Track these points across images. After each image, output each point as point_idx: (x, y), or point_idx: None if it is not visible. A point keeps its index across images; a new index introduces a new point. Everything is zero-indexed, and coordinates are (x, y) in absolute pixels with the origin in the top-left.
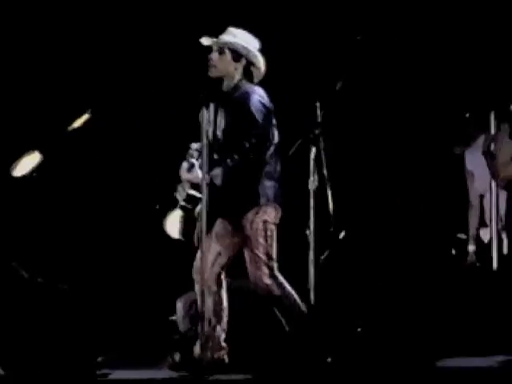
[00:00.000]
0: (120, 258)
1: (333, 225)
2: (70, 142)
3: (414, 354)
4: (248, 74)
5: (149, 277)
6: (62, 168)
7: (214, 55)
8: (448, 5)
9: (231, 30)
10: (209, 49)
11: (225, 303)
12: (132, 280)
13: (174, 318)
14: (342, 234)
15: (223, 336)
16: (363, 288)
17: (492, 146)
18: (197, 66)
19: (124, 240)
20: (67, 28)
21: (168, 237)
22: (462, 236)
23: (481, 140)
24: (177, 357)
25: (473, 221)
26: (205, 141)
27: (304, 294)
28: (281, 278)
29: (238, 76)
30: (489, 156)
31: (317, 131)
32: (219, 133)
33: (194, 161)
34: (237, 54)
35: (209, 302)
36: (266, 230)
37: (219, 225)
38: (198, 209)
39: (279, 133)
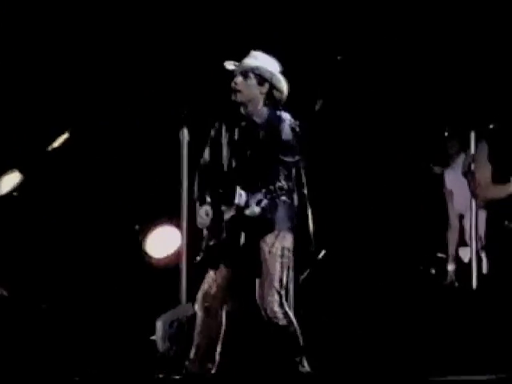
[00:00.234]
0: (101, 277)
1: (313, 244)
2: (50, 161)
3: (393, 372)
4: (271, 98)
5: (128, 296)
6: (42, 187)
7: (239, 80)
8: (426, 26)
9: (254, 53)
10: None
11: (224, 321)
12: (112, 300)
13: (153, 337)
14: (322, 254)
15: (219, 350)
16: (343, 307)
17: (472, 166)
18: (178, 86)
19: (104, 260)
20: (43, 55)
21: (148, 256)
22: (442, 255)
23: (460, 159)
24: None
25: (452, 240)
26: (185, 161)
27: None
28: (287, 307)
29: (261, 100)
30: (469, 175)
31: None
32: (241, 158)
33: (242, 192)
34: (261, 78)
35: (212, 324)
36: (283, 257)
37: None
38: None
39: None
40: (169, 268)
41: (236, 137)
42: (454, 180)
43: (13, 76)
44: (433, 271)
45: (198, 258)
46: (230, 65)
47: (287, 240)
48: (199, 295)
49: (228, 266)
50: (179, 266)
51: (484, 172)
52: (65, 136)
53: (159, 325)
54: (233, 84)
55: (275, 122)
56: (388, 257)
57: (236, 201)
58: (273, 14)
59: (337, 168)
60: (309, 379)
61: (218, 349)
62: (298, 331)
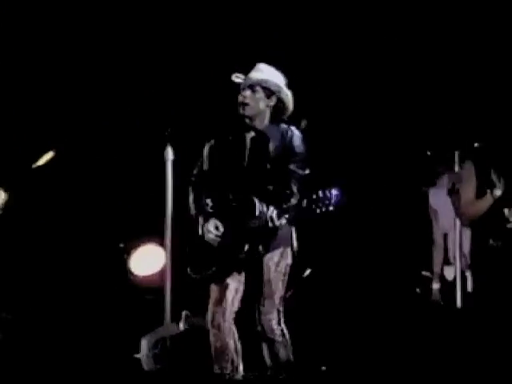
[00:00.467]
0: (85, 295)
1: (297, 263)
2: (35, 179)
3: None
4: (277, 111)
5: (112, 315)
6: (27, 205)
7: (247, 93)
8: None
9: (260, 66)
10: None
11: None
12: (96, 318)
13: (138, 356)
14: (307, 272)
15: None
16: (327, 325)
17: (457, 185)
18: (162, 104)
19: (88, 277)
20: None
21: (132, 274)
22: (427, 274)
23: (445, 178)
24: None
25: (437, 259)
26: (170, 180)
27: None
28: (283, 324)
29: (269, 114)
30: (453, 194)
31: None
32: (254, 171)
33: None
34: (269, 92)
35: (231, 343)
36: (285, 275)
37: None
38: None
39: None
40: (153, 286)
41: (246, 150)
42: (438, 199)
43: None
44: (418, 290)
45: (211, 271)
46: (237, 78)
47: (289, 257)
48: (209, 315)
49: (245, 277)
50: (164, 285)
51: (468, 191)
52: (50, 154)
53: (144, 344)
54: (241, 98)
55: (286, 135)
56: (373, 275)
57: (257, 213)
58: (266, 24)
59: (319, 185)
60: None
61: (239, 359)
62: (290, 347)
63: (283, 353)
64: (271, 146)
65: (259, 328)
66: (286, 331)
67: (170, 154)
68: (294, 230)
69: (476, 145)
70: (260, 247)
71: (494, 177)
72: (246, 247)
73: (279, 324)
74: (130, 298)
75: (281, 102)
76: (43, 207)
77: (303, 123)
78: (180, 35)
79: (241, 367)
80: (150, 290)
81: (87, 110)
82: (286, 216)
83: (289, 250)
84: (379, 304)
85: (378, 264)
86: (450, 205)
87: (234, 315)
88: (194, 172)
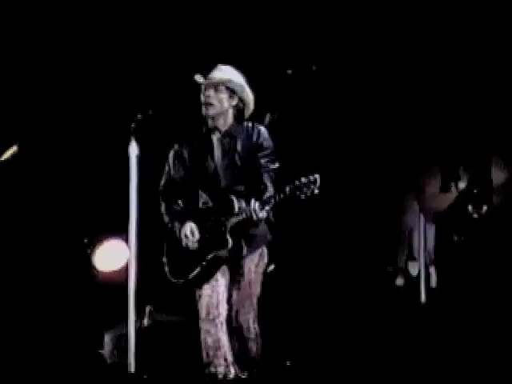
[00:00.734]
0: (48, 291)
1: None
2: None
3: None
4: (239, 110)
5: (76, 310)
6: None
7: (210, 93)
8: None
9: (221, 66)
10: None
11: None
12: (59, 313)
13: (101, 351)
14: (271, 268)
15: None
16: (293, 321)
17: (420, 180)
18: (127, 98)
19: (52, 273)
20: None
21: (96, 270)
22: (390, 269)
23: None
24: None
25: (401, 254)
26: (134, 175)
27: None
28: (257, 322)
29: (232, 113)
30: (417, 190)
31: None
32: (227, 171)
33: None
34: (232, 92)
35: (224, 338)
36: (263, 275)
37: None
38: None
39: None
40: (117, 282)
41: (214, 151)
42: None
43: None
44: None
45: (194, 273)
46: (200, 78)
47: (266, 256)
48: (203, 310)
49: (230, 275)
50: (127, 280)
51: (432, 186)
52: (13, 149)
53: (107, 338)
54: (204, 98)
55: (252, 132)
56: (337, 270)
57: (236, 209)
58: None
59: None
60: None
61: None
62: (260, 344)
63: (254, 350)
64: (239, 145)
65: (235, 324)
66: (258, 329)
67: (134, 148)
68: (267, 227)
69: (439, 140)
70: (244, 246)
71: (460, 170)
72: (230, 244)
73: (255, 323)
74: (94, 294)
75: (242, 102)
76: (6, 202)
77: (267, 118)
78: (148, 31)
79: (235, 365)
80: (113, 285)
81: (50, 104)
82: (267, 208)
83: (265, 250)
84: (343, 300)
85: (342, 259)
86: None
87: (226, 312)
88: (162, 182)
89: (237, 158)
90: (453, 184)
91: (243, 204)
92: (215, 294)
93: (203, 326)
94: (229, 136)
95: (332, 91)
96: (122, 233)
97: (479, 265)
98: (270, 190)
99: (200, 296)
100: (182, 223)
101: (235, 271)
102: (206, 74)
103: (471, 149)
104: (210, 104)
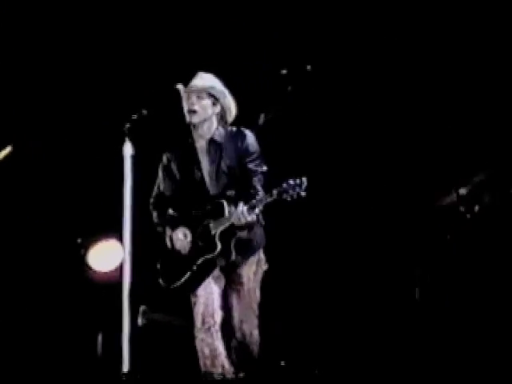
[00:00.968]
0: (42, 291)
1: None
2: None
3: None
4: (222, 117)
5: (69, 310)
6: None
7: (194, 100)
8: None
9: (202, 74)
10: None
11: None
12: (53, 313)
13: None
14: (265, 268)
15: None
16: (287, 322)
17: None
18: (121, 98)
19: (46, 272)
20: None
21: (90, 269)
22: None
23: None
24: None
25: None
26: (129, 175)
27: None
28: None
29: (215, 120)
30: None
31: None
32: (210, 180)
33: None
34: (215, 99)
35: (220, 346)
36: (261, 281)
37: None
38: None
39: None
40: (111, 281)
41: (201, 159)
42: None
43: None
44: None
45: (185, 278)
46: (181, 87)
47: (264, 263)
48: (198, 318)
49: (227, 283)
50: (122, 280)
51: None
52: (7, 149)
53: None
54: (188, 105)
55: (238, 137)
56: (331, 270)
57: (226, 214)
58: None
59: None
60: None
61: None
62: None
63: (256, 352)
64: (224, 151)
65: (239, 335)
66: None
67: (129, 149)
68: (263, 232)
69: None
70: (232, 251)
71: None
72: (219, 248)
73: (257, 329)
74: (88, 293)
75: (224, 109)
76: (1, 203)
77: (261, 118)
78: (144, 31)
79: (232, 370)
80: (107, 285)
81: (45, 104)
82: (256, 211)
83: (263, 256)
84: (338, 298)
85: (337, 259)
86: None
87: (221, 320)
88: (153, 194)
89: (223, 164)
90: (453, 190)
91: (232, 208)
92: (210, 301)
93: (199, 335)
94: (214, 143)
95: (327, 91)
96: (117, 233)
97: (472, 263)
98: (260, 194)
99: (195, 303)
100: (174, 228)
101: (233, 280)
102: (183, 81)
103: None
104: (194, 111)
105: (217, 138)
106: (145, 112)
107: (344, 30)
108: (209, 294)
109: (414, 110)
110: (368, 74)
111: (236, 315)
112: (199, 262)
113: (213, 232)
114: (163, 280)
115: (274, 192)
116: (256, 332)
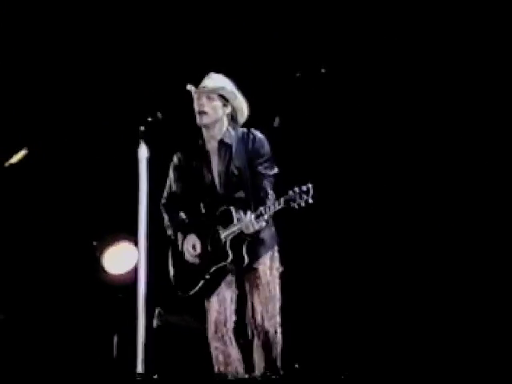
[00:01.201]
0: (58, 293)
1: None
2: (8, 177)
3: None
4: (233, 118)
5: (86, 312)
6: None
7: (204, 101)
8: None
9: (213, 75)
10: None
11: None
12: (68, 315)
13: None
14: (280, 270)
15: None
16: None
17: None
18: (136, 101)
19: (61, 275)
20: None
21: (105, 272)
22: None
23: None
24: None
25: None
26: (144, 178)
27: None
28: None
29: (226, 122)
30: None
31: None
32: (220, 182)
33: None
34: (225, 100)
35: (234, 352)
36: (279, 278)
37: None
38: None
39: None
40: (126, 284)
41: (211, 161)
42: None
43: None
44: None
45: (199, 287)
46: (192, 87)
47: (278, 259)
48: (211, 327)
49: (236, 287)
50: (136, 283)
51: None
52: (23, 152)
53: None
54: (198, 106)
55: (248, 139)
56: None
57: (235, 220)
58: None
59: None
60: None
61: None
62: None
63: (278, 356)
64: (234, 153)
65: (262, 335)
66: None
67: (144, 151)
68: (275, 232)
69: None
70: (245, 257)
71: None
72: (231, 256)
73: (280, 326)
74: (103, 296)
75: (235, 110)
76: (16, 206)
77: (277, 121)
78: (159, 33)
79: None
80: (123, 287)
81: (60, 107)
82: (265, 218)
83: (277, 254)
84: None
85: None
86: None
87: (233, 325)
88: (164, 194)
89: (233, 166)
90: None
91: (242, 214)
92: (222, 309)
93: (212, 342)
94: (224, 144)
95: (342, 93)
96: (132, 235)
97: None
98: (270, 198)
99: (208, 310)
100: (185, 235)
101: (249, 278)
102: (197, 83)
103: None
104: (204, 112)
105: (227, 139)
106: (160, 115)
107: (359, 32)
108: (221, 302)
109: (428, 115)
110: (383, 78)
111: (258, 312)
112: (212, 270)
113: (223, 240)
114: (178, 288)
115: (281, 200)
116: (279, 330)
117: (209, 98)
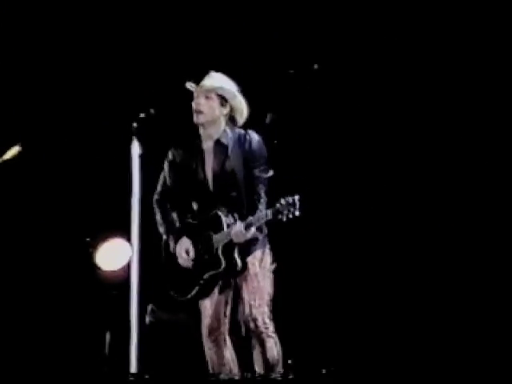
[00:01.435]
0: (50, 290)
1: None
2: (1, 173)
3: None
4: (232, 118)
5: (79, 308)
6: None
7: (201, 100)
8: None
9: (213, 74)
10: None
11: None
12: (60, 312)
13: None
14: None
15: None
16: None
17: None
18: (128, 98)
19: (54, 272)
20: None
21: (98, 269)
22: None
23: None
24: None
25: None
26: (136, 174)
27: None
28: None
29: (224, 121)
30: None
31: None
32: (219, 182)
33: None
34: (223, 99)
35: (227, 353)
36: (270, 272)
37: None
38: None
39: None
40: (119, 280)
41: (205, 160)
42: None
43: None
44: None
45: (194, 292)
46: (191, 85)
47: (269, 255)
48: (205, 330)
49: (228, 291)
50: (129, 279)
51: None
52: (16, 149)
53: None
54: (195, 105)
55: (244, 141)
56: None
57: (225, 227)
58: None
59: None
60: None
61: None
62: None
63: (275, 353)
64: (229, 153)
65: (252, 325)
66: (273, 327)
67: (136, 148)
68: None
69: None
70: (238, 262)
71: None
72: (223, 264)
73: (270, 319)
74: (96, 292)
75: (234, 110)
76: (9, 202)
77: (269, 117)
78: (152, 30)
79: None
80: (115, 284)
81: (53, 104)
82: (253, 228)
83: (268, 251)
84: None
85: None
86: None
87: (228, 325)
88: (158, 190)
89: (227, 166)
90: None
91: (231, 220)
92: (215, 314)
93: (206, 344)
94: (220, 144)
95: (335, 90)
96: (124, 232)
97: None
98: (263, 202)
99: (202, 313)
100: (177, 238)
101: (242, 274)
102: (198, 80)
103: None
104: (201, 112)
105: (224, 139)
106: (152, 111)
107: (352, 29)
108: (214, 305)
109: (423, 111)
110: (376, 75)
111: (246, 302)
112: (205, 276)
113: (215, 246)
114: (172, 290)
115: (269, 213)
116: (270, 322)
117: (207, 97)
